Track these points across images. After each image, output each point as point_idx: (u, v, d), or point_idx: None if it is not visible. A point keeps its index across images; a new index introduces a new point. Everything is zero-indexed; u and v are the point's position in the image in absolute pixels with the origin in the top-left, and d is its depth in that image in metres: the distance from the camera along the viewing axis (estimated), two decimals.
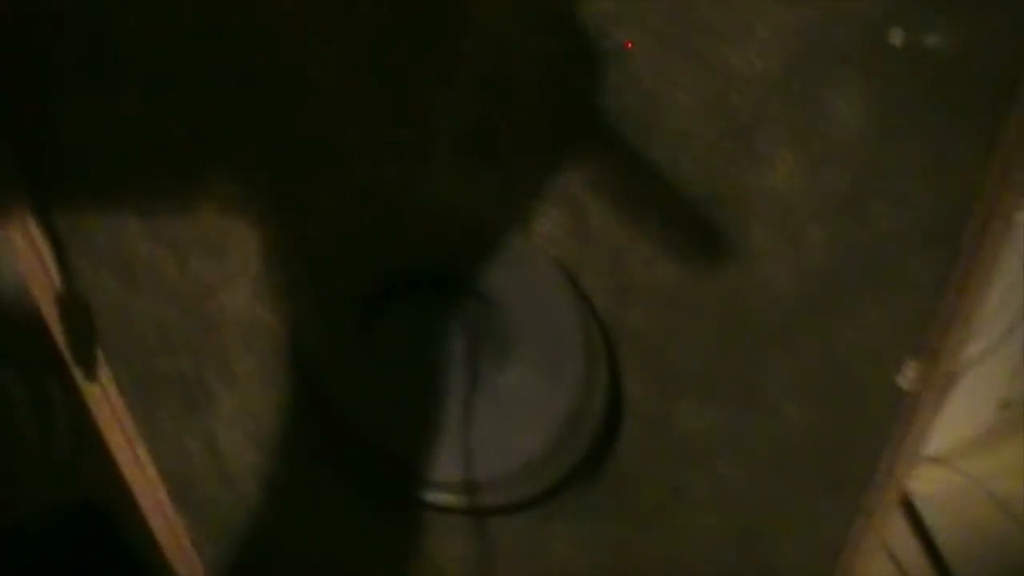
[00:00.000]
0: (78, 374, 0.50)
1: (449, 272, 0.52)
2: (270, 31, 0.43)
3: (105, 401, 0.52)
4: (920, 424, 0.56)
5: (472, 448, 0.58)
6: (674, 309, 0.50)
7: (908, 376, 0.53)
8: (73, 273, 0.47)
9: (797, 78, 0.42)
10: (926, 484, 1.04)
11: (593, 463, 0.59)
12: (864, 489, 0.60)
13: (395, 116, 0.43)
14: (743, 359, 0.53)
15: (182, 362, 0.51)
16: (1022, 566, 0.98)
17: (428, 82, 0.43)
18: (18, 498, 0.78)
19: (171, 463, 0.56)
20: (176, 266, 0.48)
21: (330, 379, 0.54)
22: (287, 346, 0.52)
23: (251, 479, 0.56)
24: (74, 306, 0.48)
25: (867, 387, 0.54)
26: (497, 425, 0.57)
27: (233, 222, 0.47)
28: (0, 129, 0.45)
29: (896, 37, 0.41)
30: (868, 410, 0.56)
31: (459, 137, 0.44)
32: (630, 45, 0.43)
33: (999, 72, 0.41)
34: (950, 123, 0.44)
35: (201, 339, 0.51)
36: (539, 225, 0.48)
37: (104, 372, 0.51)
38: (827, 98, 0.43)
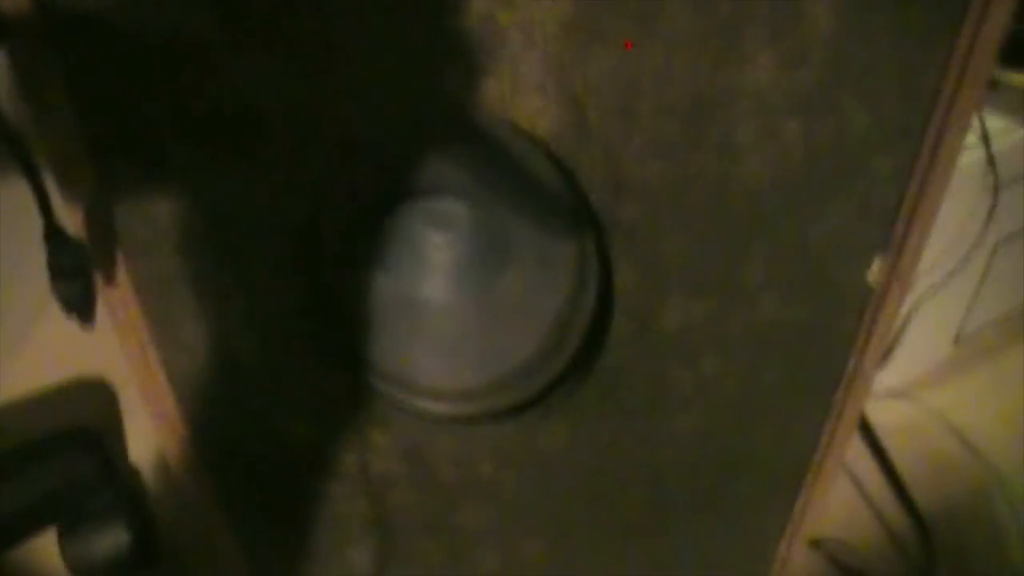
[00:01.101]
0: (98, 277, 0.53)
1: (449, 175, 0.55)
2: None
3: (122, 305, 0.55)
4: (886, 319, 0.62)
5: (465, 354, 0.61)
6: (663, 204, 0.54)
7: (874, 271, 0.59)
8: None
9: None
10: (887, 415, 1.11)
11: (583, 362, 0.62)
12: (835, 386, 0.66)
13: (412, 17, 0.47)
14: (725, 254, 0.57)
15: (200, 262, 0.54)
16: (977, 491, 1.05)
17: None
18: None
19: (182, 369, 0.59)
20: (201, 164, 0.50)
21: (334, 284, 0.57)
22: (304, 245, 0.54)
23: (258, 383, 0.60)
24: (96, 206, 0.51)
25: (838, 282, 0.59)
26: (490, 329, 0.60)
27: (260, 119, 0.49)
28: None
29: None
30: (839, 305, 0.61)
31: (463, 34, 0.48)
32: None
33: None
34: (917, 24, 0.50)
35: (220, 238, 0.53)
36: (540, 123, 0.51)
37: (122, 274, 0.54)
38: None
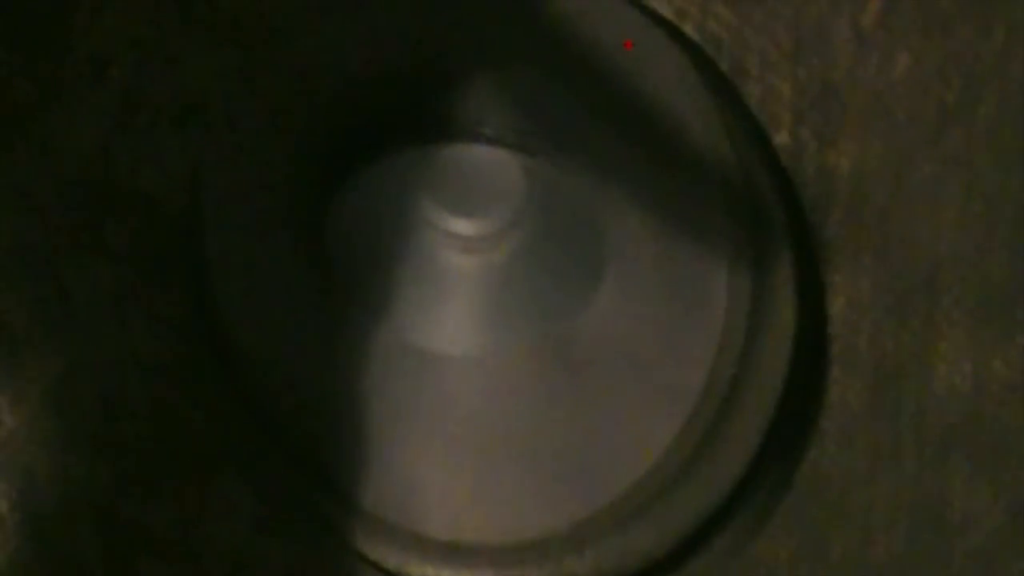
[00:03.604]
0: None
1: (487, 102, 0.38)
2: None
3: None
4: None
5: (531, 468, 0.43)
6: (918, 145, 0.34)
7: None
8: None
9: None
10: None
11: (765, 482, 0.42)
12: None
13: None
14: None
15: None
16: None
17: None
18: None
19: None
20: None
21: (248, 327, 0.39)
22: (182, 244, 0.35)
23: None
24: None
25: None
26: (570, 422, 0.43)
27: None
28: None
29: None
30: None
31: None
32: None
33: None
34: None
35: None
36: None
37: None
38: None
